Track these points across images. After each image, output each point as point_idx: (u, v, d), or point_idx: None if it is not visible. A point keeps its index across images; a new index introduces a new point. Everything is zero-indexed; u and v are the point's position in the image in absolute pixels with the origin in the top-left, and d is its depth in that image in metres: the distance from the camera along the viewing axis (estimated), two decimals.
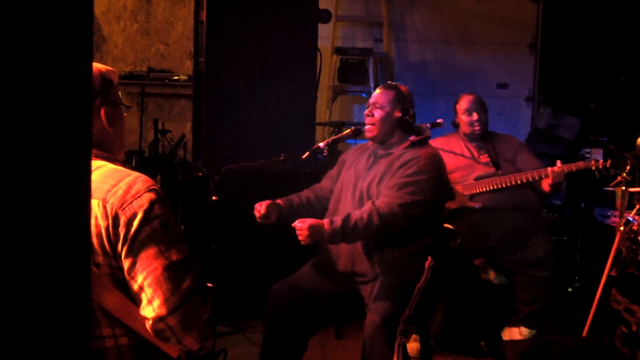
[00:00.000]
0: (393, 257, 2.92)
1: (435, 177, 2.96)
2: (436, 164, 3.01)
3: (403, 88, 3.14)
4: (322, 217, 3.00)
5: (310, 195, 3.22)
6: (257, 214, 3.02)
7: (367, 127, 3.09)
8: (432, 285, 2.91)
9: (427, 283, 2.88)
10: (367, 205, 2.86)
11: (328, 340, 3.92)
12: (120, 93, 1.93)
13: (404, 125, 3.08)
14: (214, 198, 3.06)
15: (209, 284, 1.96)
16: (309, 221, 2.78)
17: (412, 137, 3.09)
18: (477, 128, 4.02)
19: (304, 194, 3.22)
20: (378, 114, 3.06)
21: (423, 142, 3.10)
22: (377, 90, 3.14)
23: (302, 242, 2.79)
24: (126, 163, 2.12)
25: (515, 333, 3.93)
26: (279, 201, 3.09)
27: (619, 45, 5.65)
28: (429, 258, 2.93)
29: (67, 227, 0.85)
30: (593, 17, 5.80)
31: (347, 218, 2.79)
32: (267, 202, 3.04)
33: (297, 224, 2.78)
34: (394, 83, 3.19)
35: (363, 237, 2.87)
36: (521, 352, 3.10)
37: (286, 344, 3.02)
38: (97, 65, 1.84)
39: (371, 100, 3.12)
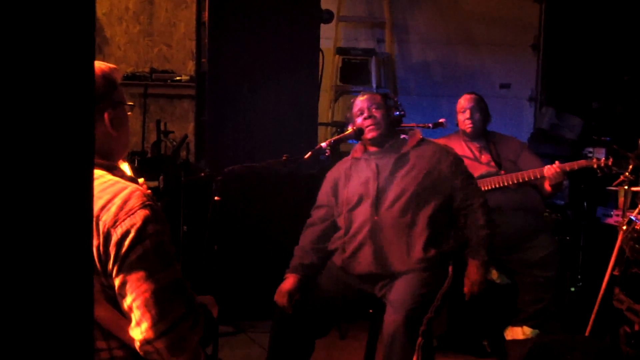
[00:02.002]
0: (418, 259, 2.92)
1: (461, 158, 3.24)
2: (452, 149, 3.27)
3: (380, 93, 3.31)
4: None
5: (314, 241, 3.16)
6: (284, 308, 2.98)
7: (369, 127, 3.09)
8: (452, 290, 2.93)
9: (449, 288, 2.92)
10: (478, 218, 3.01)
11: (331, 341, 3.92)
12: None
13: (397, 122, 3.20)
14: (216, 199, 3.06)
15: (210, 296, 1.94)
16: (474, 280, 2.97)
17: (403, 136, 3.17)
18: (468, 126, 4.04)
19: (308, 246, 3.15)
20: (379, 113, 3.10)
21: (425, 138, 3.21)
22: (364, 96, 3.16)
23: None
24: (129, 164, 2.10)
25: (518, 333, 3.92)
26: (293, 278, 3.05)
27: (622, 45, 5.65)
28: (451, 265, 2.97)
29: (69, 237, 0.85)
30: (595, 17, 5.80)
31: (482, 246, 3.00)
32: (285, 290, 2.99)
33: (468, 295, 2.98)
34: (369, 90, 3.33)
35: (493, 239, 3.06)
36: (524, 352, 3.10)
37: (293, 347, 3.01)
38: (99, 65, 1.79)
39: (363, 105, 3.12)
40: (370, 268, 2.97)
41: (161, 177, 4.29)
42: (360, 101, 3.15)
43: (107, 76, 1.79)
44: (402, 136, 3.17)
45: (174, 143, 4.78)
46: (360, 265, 2.99)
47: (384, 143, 3.12)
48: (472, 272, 2.97)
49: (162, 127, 5.01)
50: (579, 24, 5.90)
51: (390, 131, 3.14)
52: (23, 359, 0.81)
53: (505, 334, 3.94)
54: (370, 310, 3.05)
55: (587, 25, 5.83)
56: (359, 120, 3.11)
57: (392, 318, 2.78)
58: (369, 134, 3.10)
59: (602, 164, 3.72)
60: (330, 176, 3.24)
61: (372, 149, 3.15)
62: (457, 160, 3.11)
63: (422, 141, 3.13)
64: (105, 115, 1.76)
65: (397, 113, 3.17)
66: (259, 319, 4.07)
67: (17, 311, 0.80)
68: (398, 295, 2.85)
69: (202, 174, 3.30)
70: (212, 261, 3.17)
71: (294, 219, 4.20)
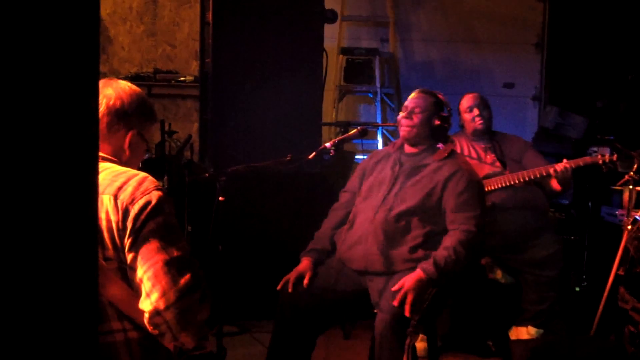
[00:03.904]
0: (409, 258, 2.93)
1: (481, 183, 3.16)
2: (476, 172, 3.18)
3: (441, 96, 3.16)
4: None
5: (333, 227, 3.21)
6: (290, 284, 3.00)
7: (402, 127, 3.10)
8: (444, 291, 2.93)
9: (438, 290, 2.91)
10: (449, 241, 2.91)
11: (335, 341, 3.92)
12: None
13: (439, 132, 3.11)
14: (220, 199, 3.07)
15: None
16: (406, 286, 2.79)
17: (440, 145, 3.11)
18: (478, 123, 4.00)
19: (326, 231, 3.20)
20: (417, 118, 3.07)
21: (454, 152, 3.15)
22: (414, 94, 3.14)
23: (411, 309, 2.77)
24: None
25: (522, 332, 3.92)
26: (306, 260, 3.09)
27: (625, 44, 5.63)
28: None
29: (75, 221, 0.85)
30: (599, 16, 5.78)
31: (436, 263, 2.83)
32: (297, 269, 3.04)
33: (398, 299, 2.78)
34: (430, 90, 3.18)
35: (456, 271, 2.91)
36: (528, 352, 3.10)
37: (294, 343, 3.02)
38: (148, 99, 1.98)
39: (409, 104, 3.11)
40: (364, 265, 3.00)
41: (165, 177, 4.29)
42: (410, 99, 3.15)
43: (152, 110, 1.98)
44: (439, 145, 3.12)
45: (178, 143, 4.78)
46: (354, 260, 3.03)
47: (417, 146, 3.12)
48: (409, 277, 2.82)
49: (166, 127, 5.01)
50: (582, 23, 5.89)
51: (427, 138, 3.10)
52: (29, 336, 0.81)
53: (509, 334, 3.94)
54: (375, 310, 3.05)
55: (591, 23, 5.82)
56: (399, 115, 3.14)
57: (381, 318, 2.81)
58: (401, 133, 3.13)
59: (607, 160, 3.71)
60: (363, 164, 3.30)
61: (407, 148, 3.16)
62: (467, 185, 3.00)
63: (448, 157, 3.08)
64: (130, 133, 1.91)
65: (440, 123, 3.08)
66: (263, 318, 4.07)
67: (24, 298, 0.81)
68: (385, 295, 2.87)
69: (206, 174, 3.30)
70: (216, 261, 3.18)
71: (297, 219, 4.20)
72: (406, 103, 3.14)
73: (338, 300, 3.07)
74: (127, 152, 1.91)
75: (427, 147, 3.11)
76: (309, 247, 3.18)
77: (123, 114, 1.88)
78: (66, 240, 0.84)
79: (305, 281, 3.00)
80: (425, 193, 3.00)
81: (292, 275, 3.02)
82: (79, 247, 0.86)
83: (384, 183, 3.10)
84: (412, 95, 3.15)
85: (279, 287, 3.03)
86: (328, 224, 3.24)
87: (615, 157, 3.69)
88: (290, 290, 2.98)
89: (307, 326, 3.02)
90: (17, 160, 0.79)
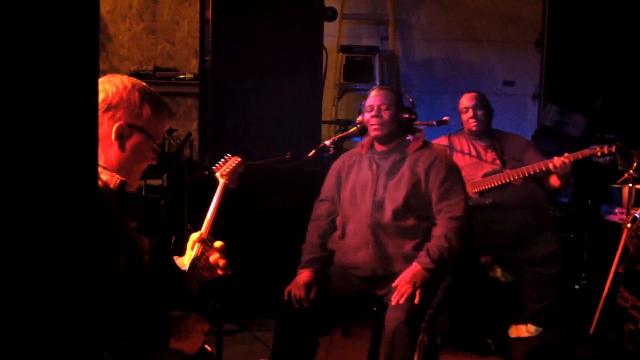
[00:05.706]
0: (414, 255, 2.93)
1: (458, 168, 3.15)
2: (451, 158, 3.20)
3: (398, 90, 3.21)
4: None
5: (321, 236, 3.18)
6: (301, 300, 2.97)
7: (373, 126, 3.08)
8: (453, 286, 2.93)
9: (449, 284, 2.91)
10: (439, 230, 2.92)
11: (335, 338, 3.92)
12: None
13: (407, 125, 3.11)
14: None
15: (194, 314, 1.83)
16: (405, 279, 2.82)
17: (409, 137, 3.12)
18: (472, 124, 4.01)
19: (316, 241, 3.16)
20: (387, 114, 3.06)
21: (427, 141, 3.16)
22: (375, 92, 3.13)
23: (416, 300, 2.79)
24: None
25: (522, 330, 3.92)
26: (307, 271, 3.07)
27: (625, 43, 5.63)
28: None
29: (73, 222, 0.85)
30: (599, 14, 5.78)
31: (430, 254, 2.86)
32: (302, 283, 3.01)
33: (397, 296, 2.81)
34: (387, 86, 3.22)
35: (451, 259, 2.91)
36: (528, 350, 3.10)
37: (297, 344, 3.01)
38: (145, 86, 1.83)
39: (374, 102, 3.09)
40: (370, 270, 2.99)
41: (165, 175, 4.29)
42: (373, 97, 3.12)
43: (143, 95, 1.81)
44: (408, 137, 3.13)
45: (178, 141, 4.78)
46: (359, 268, 3.02)
47: (388, 143, 3.11)
48: (407, 271, 2.86)
49: None
50: (582, 21, 5.89)
51: (397, 133, 3.10)
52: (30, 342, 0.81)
53: (509, 332, 3.94)
54: (375, 308, 3.05)
55: (591, 22, 5.82)
56: (366, 116, 3.10)
57: (393, 315, 2.80)
58: (372, 133, 3.10)
59: (606, 151, 3.71)
60: (335, 168, 3.24)
61: (378, 147, 3.14)
62: (447, 172, 3.01)
63: (422, 146, 3.09)
64: (116, 125, 1.76)
65: (408, 116, 3.10)
66: (262, 316, 4.07)
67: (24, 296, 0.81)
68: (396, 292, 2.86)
69: (206, 172, 3.30)
70: None
71: (297, 217, 4.18)
72: (369, 102, 3.11)
73: (341, 304, 3.06)
74: (117, 146, 1.77)
75: (399, 143, 3.11)
76: (304, 258, 3.12)
77: (106, 107, 1.75)
78: (63, 243, 0.84)
79: (308, 295, 2.98)
80: (411, 187, 2.99)
81: (299, 292, 2.97)
82: (76, 250, 0.86)
83: (366, 185, 3.06)
84: (373, 93, 3.13)
85: (285, 297, 2.99)
86: (313, 235, 3.18)
87: (613, 148, 3.69)
88: (298, 306, 2.95)
89: (310, 327, 3.01)
90: (14, 160, 0.79)
